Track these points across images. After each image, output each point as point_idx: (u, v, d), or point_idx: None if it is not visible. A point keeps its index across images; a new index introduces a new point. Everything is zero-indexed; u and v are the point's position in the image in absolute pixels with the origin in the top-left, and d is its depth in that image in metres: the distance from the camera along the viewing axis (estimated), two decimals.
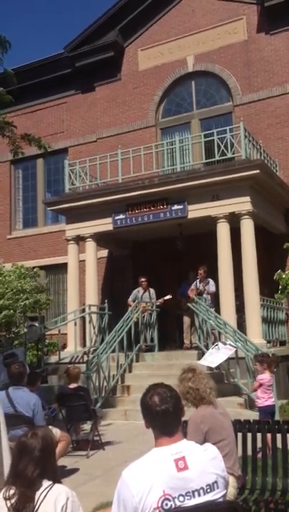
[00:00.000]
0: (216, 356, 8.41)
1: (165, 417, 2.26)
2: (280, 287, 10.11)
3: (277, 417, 7.63)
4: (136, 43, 15.20)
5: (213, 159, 11.11)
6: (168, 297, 11.77)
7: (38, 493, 2.24)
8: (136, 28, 15.11)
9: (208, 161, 11.65)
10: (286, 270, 11.00)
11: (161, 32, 14.82)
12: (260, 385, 6.53)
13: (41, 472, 2.29)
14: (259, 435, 4.20)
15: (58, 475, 2.41)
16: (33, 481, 2.26)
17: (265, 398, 6.53)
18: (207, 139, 11.49)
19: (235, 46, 13.88)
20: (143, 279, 11.92)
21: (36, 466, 2.28)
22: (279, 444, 4.06)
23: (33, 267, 14.00)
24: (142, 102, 14.88)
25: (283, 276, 10.03)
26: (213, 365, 8.46)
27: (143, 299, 11.61)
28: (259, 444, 4.20)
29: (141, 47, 15.12)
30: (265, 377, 6.57)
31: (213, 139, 11.04)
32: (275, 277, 10.08)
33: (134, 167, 11.87)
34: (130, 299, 11.74)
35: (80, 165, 12.52)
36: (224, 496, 2.25)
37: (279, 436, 4.09)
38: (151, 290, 11.96)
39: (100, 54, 15.15)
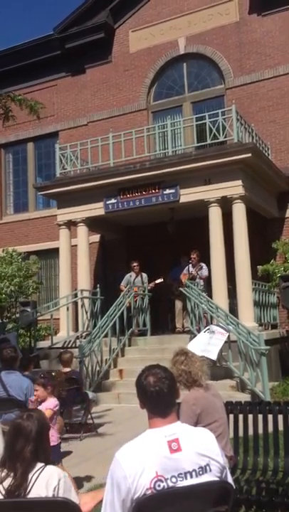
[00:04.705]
0: (212, 344, 8.40)
1: (159, 397, 2.26)
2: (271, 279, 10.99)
3: (268, 398, 7.74)
4: (127, 24, 14.96)
5: (205, 143, 11.03)
6: (159, 281, 11.80)
7: (30, 475, 2.25)
8: (127, 8, 14.85)
9: (200, 144, 11.57)
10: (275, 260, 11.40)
11: (153, 13, 14.59)
12: (54, 413, 4.61)
13: (36, 454, 2.31)
14: (251, 416, 4.24)
15: (50, 457, 2.43)
16: (30, 462, 2.28)
17: (55, 435, 4.59)
18: (199, 122, 11.38)
19: (226, 28, 13.71)
20: (135, 264, 11.93)
21: (33, 448, 2.30)
22: (270, 426, 4.11)
23: (25, 252, 13.92)
24: (133, 84, 14.71)
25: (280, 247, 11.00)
26: (214, 357, 8.31)
27: (135, 284, 11.63)
28: (250, 425, 4.24)
29: (132, 28, 14.89)
30: (56, 402, 4.70)
31: (205, 123, 10.95)
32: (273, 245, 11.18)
33: (126, 151, 11.77)
34: (123, 284, 11.75)
35: (70, 149, 12.37)
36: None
37: (270, 417, 4.14)
38: (144, 274, 11.97)
39: (90, 35, 14.90)
